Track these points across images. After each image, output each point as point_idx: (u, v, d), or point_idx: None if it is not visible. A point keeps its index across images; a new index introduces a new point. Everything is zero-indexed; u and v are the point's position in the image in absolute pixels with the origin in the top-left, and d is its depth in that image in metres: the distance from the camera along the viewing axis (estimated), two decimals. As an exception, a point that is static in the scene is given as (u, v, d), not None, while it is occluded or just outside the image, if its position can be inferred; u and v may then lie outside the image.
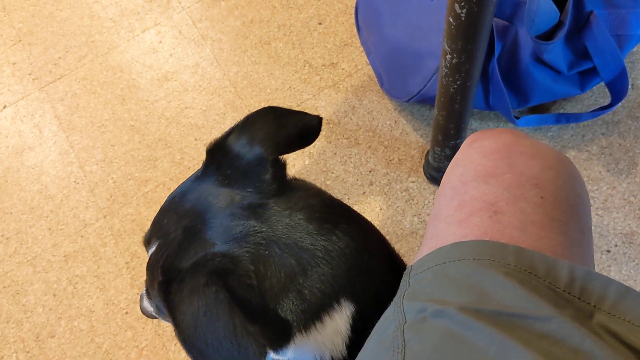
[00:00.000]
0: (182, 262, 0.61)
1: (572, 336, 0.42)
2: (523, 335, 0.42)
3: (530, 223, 0.55)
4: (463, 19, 0.78)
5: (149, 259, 0.68)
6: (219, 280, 0.56)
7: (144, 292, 0.80)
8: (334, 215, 0.63)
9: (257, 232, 0.60)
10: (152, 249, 0.67)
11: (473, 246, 0.54)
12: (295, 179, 0.69)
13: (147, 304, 0.80)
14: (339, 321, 0.59)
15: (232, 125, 0.68)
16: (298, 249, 0.59)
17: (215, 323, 0.53)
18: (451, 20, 0.80)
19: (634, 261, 1.19)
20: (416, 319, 0.48)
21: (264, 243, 0.59)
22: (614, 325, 0.44)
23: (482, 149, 0.65)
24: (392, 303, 0.53)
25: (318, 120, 0.70)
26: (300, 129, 0.68)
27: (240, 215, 0.61)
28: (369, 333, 0.53)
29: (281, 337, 0.59)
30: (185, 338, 0.54)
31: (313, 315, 0.58)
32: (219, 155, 0.67)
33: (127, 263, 1.33)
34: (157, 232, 0.68)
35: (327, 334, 0.59)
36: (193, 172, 0.71)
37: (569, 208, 0.59)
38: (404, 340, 0.46)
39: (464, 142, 0.70)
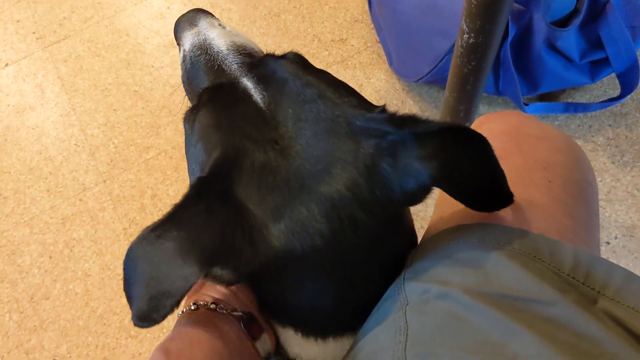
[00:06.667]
0: (257, 205, 0.47)
1: (577, 321, 0.42)
2: (527, 318, 0.42)
3: (537, 206, 0.55)
4: (484, -3, 0.76)
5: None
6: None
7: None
8: (396, 264, 0.56)
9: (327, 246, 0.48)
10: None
11: (477, 228, 0.53)
12: None
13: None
14: (339, 345, 0.55)
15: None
16: (352, 276, 0.52)
17: (165, 266, 0.44)
18: (472, -2, 0.79)
19: (633, 254, 1.19)
20: (419, 300, 0.47)
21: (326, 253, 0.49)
22: (617, 311, 0.44)
23: (490, 130, 0.64)
24: (393, 284, 0.52)
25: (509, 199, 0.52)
26: (490, 190, 0.51)
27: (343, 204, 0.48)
28: None
29: (277, 318, 0.57)
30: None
31: (317, 332, 0.55)
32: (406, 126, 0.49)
33: (124, 229, 1.32)
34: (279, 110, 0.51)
35: (323, 350, 0.55)
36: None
37: (577, 192, 0.58)
38: (407, 321, 0.46)
39: (472, 124, 0.70)
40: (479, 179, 0.51)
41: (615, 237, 1.21)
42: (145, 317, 0.44)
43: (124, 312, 1.24)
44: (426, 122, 0.47)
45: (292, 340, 0.56)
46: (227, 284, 0.52)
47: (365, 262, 0.51)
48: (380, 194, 0.49)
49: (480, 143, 0.48)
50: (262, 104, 0.51)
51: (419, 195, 0.50)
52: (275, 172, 0.47)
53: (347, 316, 0.53)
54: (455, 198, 0.52)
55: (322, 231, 0.47)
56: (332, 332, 0.54)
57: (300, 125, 0.49)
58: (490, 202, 0.52)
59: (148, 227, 0.44)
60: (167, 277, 0.44)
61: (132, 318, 0.44)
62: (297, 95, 0.51)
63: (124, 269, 0.45)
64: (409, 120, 0.48)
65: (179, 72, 1.45)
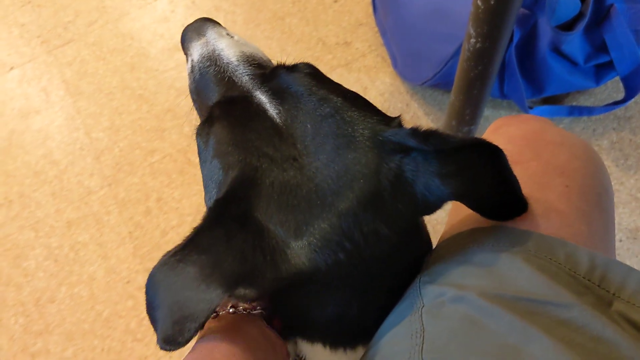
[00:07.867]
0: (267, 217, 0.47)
1: (594, 324, 0.42)
2: (543, 321, 0.42)
3: (554, 211, 0.55)
4: (492, 2, 0.77)
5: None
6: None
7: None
8: (414, 269, 0.55)
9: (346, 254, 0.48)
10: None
11: (492, 231, 0.54)
12: None
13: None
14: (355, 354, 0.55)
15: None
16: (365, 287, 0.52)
17: (185, 291, 0.45)
18: (479, 3, 0.79)
19: (637, 256, 1.20)
20: (434, 303, 0.47)
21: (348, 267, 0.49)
22: (633, 314, 0.44)
23: (507, 134, 0.64)
24: (410, 287, 0.53)
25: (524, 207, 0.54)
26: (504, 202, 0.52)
27: (359, 222, 0.48)
28: None
29: (299, 328, 0.56)
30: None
31: (347, 343, 0.55)
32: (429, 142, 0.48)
33: (130, 233, 1.32)
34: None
35: (354, 359, 0.56)
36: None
37: (593, 199, 0.58)
38: (422, 323, 0.46)
39: (489, 127, 0.70)
40: (497, 192, 0.51)
41: (620, 240, 1.21)
42: (171, 341, 0.44)
43: (130, 315, 1.25)
44: (448, 137, 0.47)
45: (321, 355, 0.56)
46: (250, 301, 0.52)
47: (386, 270, 0.52)
48: (402, 208, 0.49)
49: (497, 156, 0.48)
50: (278, 120, 0.51)
51: (438, 206, 0.51)
52: (295, 191, 0.47)
53: (371, 322, 0.53)
54: (474, 210, 0.53)
55: (345, 247, 0.47)
56: (360, 340, 0.54)
57: (319, 141, 0.49)
58: (507, 211, 0.53)
59: (169, 252, 0.45)
60: (190, 302, 0.44)
61: (157, 342, 0.45)
62: (313, 110, 0.51)
63: (147, 294, 0.46)
64: (433, 136, 0.48)
65: (183, 76, 1.46)
